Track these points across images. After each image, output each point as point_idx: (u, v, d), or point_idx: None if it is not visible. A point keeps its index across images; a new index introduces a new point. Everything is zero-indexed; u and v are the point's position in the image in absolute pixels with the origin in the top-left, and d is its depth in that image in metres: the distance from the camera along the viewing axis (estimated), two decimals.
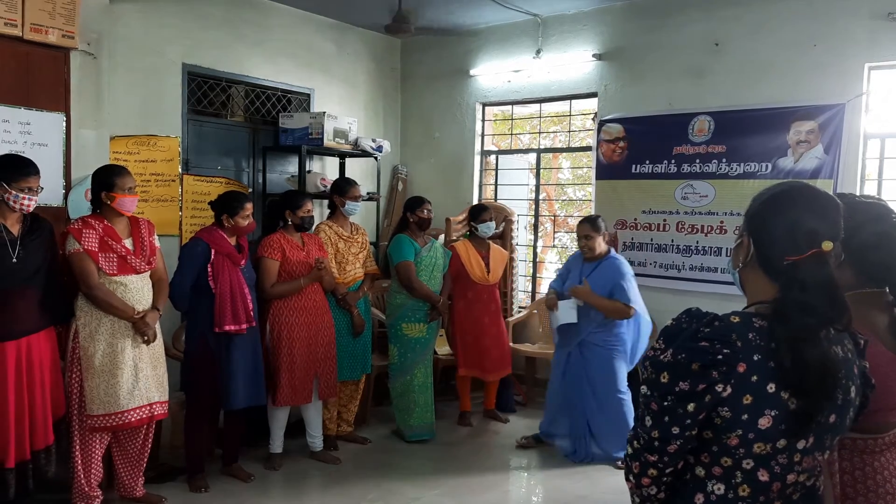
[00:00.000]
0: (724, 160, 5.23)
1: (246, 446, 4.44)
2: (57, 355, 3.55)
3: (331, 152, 6.01)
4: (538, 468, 4.66)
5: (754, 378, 1.32)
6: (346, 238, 4.76)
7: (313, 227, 4.64)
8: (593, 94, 5.98)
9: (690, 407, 1.33)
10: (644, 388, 1.41)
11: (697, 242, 5.37)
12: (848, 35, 4.78)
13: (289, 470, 4.42)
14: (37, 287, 3.41)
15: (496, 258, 5.28)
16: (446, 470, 4.50)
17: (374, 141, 6.07)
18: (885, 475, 1.76)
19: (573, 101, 6.30)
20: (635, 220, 5.69)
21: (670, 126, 5.47)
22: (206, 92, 5.54)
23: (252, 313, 4.05)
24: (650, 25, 5.61)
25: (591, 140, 6.11)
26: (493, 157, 6.85)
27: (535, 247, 6.66)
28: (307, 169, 5.80)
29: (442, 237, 5.94)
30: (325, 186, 5.59)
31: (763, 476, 1.37)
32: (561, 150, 7.12)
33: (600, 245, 4.60)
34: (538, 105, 6.56)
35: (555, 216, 8.59)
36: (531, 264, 6.65)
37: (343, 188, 4.82)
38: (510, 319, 6.01)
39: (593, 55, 5.87)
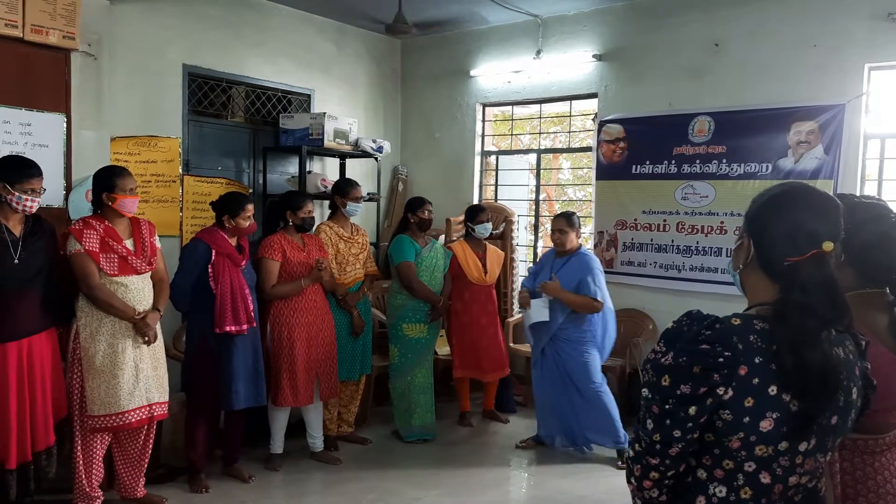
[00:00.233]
0: (724, 161, 5.24)
1: (246, 447, 4.44)
2: (58, 356, 3.56)
3: (331, 153, 6.01)
4: (538, 468, 4.66)
5: (756, 380, 1.32)
6: (346, 239, 4.76)
7: (314, 228, 4.64)
8: (593, 95, 5.98)
9: (692, 410, 1.33)
10: (645, 391, 1.40)
11: (697, 243, 5.38)
12: (848, 35, 4.78)
13: (289, 470, 4.42)
14: (38, 288, 3.41)
15: (493, 259, 5.29)
16: (447, 470, 4.50)
17: (374, 141, 6.07)
18: (885, 475, 1.77)
19: (573, 102, 6.30)
20: (635, 220, 5.69)
21: (670, 126, 5.47)
22: (206, 93, 5.55)
23: (253, 314, 4.05)
24: (650, 26, 5.61)
25: (591, 140, 6.11)
26: (493, 157, 6.85)
27: (535, 247, 6.66)
28: (307, 169, 5.80)
29: (442, 238, 5.94)
30: (326, 187, 5.59)
31: (765, 478, 1.37)
32: (561, 151, 7.13)
33: (572, 241, 4.67)
34: (538, 105, 6.56)
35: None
36: (531, 265, 6.64)
37: (344, 189, 4.82)
38: (510, 320, 6.01)
39: (593, 56, 5.87)
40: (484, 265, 5.20)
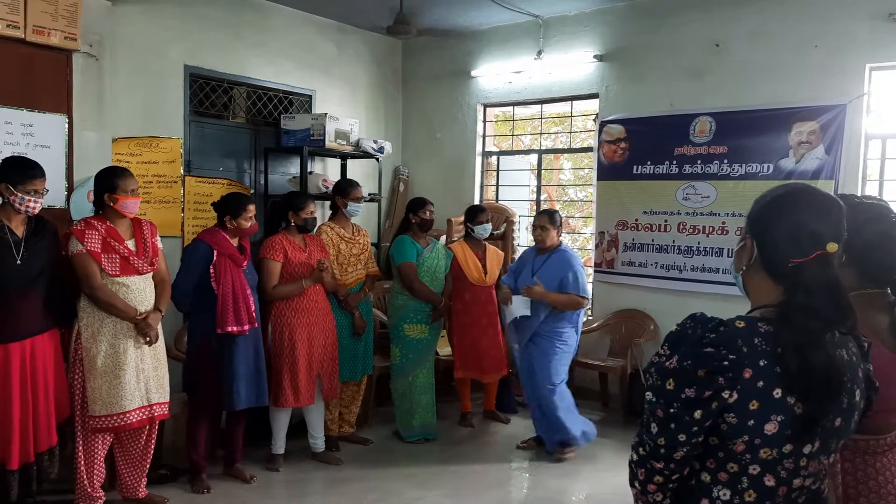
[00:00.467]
0: (725, 161, 5.24)
1: (248, 447, 4.44)
2: (61, 357, 3.56)
3: (332, 153, 6.02)
4: (539, 468, 4.66)
5: (760, 383, 1.32)
6: (347, 239, 4.77)
7: (315, 229, 4.64)
8: (594, 95, 5.99)
9: (697, 414, 1.33)
10: (649, 395, 1.40)
11: (699, 243, 5.38)
12: (849, 36, 4.78)
13: (290, 471, 4.43)
14: (41, 289, 3.41)
15: (492, 259, 5.29)
16: (448, 470, 4.50)
17: (375, 142, 6.08)
18: (887, 476, 1.77)
19: (574, 102, 6.31)
20: (636, 220, 5.69)
21: (671, 127, 5.47)
22: (207, 93, 5.55)
23: (254, 314, 4.05)
24: (651, 26, 5.61)
25: (592, 141, 6.11)
26: (494, 158, 6.86)
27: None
28: (309, 170, 5.80)
29: (443, 238, 5.95)
30: (327, 188, 5.60)
31: (769, 481, 1.37)
32: (562, 151, 7.13)
33: (553, 238, 4.68)
34: (539, 106, 6.56)
35: None
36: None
37: (345, 189, 4.83)
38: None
39: (594, 56, 5.87)
40: (484, 266, 5.20)
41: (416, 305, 4.89)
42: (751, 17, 5.15)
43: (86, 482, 3.62)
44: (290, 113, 6.00)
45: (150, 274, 3.72)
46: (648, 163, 5.60)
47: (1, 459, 3.33)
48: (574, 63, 5.99)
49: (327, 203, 5.53)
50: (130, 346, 3.59)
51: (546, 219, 4.70)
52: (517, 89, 6.40)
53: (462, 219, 6.05)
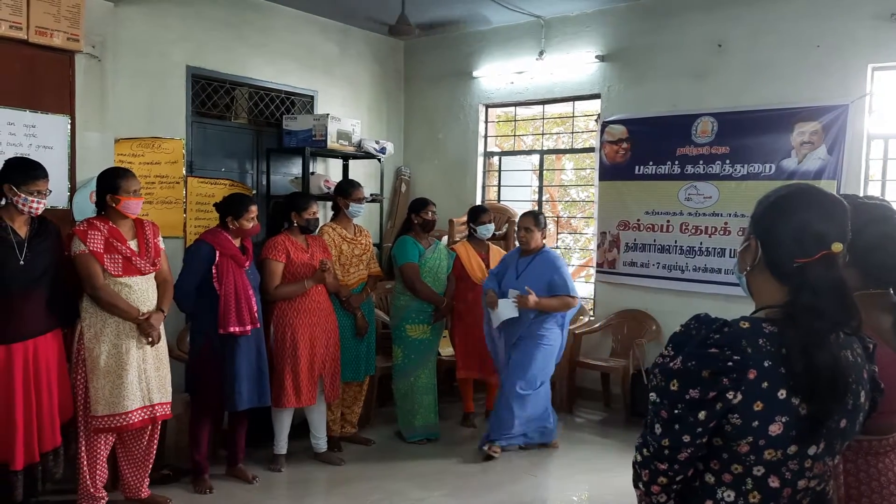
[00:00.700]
0: (727, 161, 5.24)
1: (250, 447, 4.44)
2: (64, 358, 3.57)
3: (334, 154, 6.02)
4: (542, 469, 4.66)
5: (765, 384, 1.31)
6: (349, 240, 4.77)
7: (317, 229, 4.64)
8: (596, 96, 5.99)
9: (701, 415, 1.32)
10: (653, 396, 1.39)
11: (701, 243, 5.38)
12: (851, 36, 4.78)
13: (293, 471, 4.43)
14: (44, 289, 3.42)
15: (496, 259, 5.27)
16: (450, 471, 4.50)
17: (377, 142, 6.08)
18: (889, 476, 1.77)
19: (576, 103, 6.31)
20: (638, 220, 5.69)
21: (673, 127, 5.47)
22: (210, 94, 5.56)
23: (256, 315, 4.06)
24: (653, 27, 5.61)
25: (594, 141, 6.11)
26: (496, 158, 6.86)
27: None
28: (310, 171, 5.81)
29: (445, 238, 5.95)
30: (329, 188, 5.60)
31: (774, 482, 1.36)
32: (564, 152, 7.13)
33: (537, 240, 4.68)
34: (541, 106, 6.56)
35: (558, 217, 8.58)
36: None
37: (347, 190, 4.83)
38: None
39: (596, 56, 5.87)
40: (487, 266, 5.20)
41: (417, 306, 4.89)
42: (752, 17, 5.15)
43: (88, 482, 3.63)
44: (292, 113, 6.01)
45: (153, 274, 3.73)
46: (650, 163, 5.60)
47: (5, 460, 3.33)
48: (576, 63, 5.99)
49: (329, 203, 5.54)
50: (133, 346, 3.59)
51: (531, 220, 4.69)
52: (519, 90, 6.41)
53: (464, 219, 6.05)
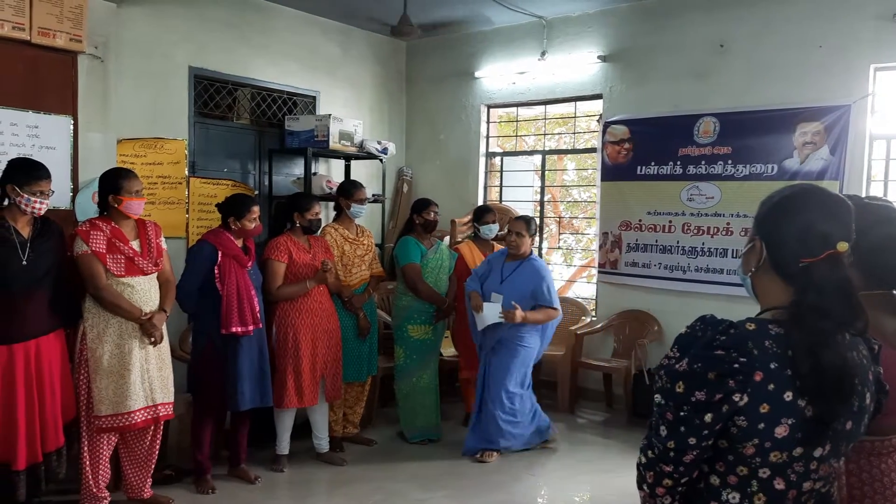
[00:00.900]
0: (729, 161, 5.23)
1: (252, 448, 4.45)
2: (67, 358, 3.57)
3: (336, 154, 6.03)
4: (543, 470, 4.66)
5: (771, 387, 1.31)
6: (351, 240, 4.77)
7: (319, 230, 4.65)
8: (598, 96, 5.99)
9: (707, 417, 1.32)
10: (658, 398, 1.38)
11: (703, 244, 5.37)
12: (853, 36, 4.78)
13: (295, 471, 4.43)
14: (46, 289, 3.43)
15: None
16: (451, 471, 4.50)
17: (379, 143, 6.09)
18: (892, 477, 1.76)
19: (578, 103, 6.31)
20: (640, 221, 5.69)
21: (675, 127, 5.47)
22: (212, 95, 5.57)
23: (259, 315, 4.06)
24: (655, 27, 5.61)
25: (595, 142, 6.11)
26: (497, 158, 6.86)
27: (540, 248, 6.66)
28: (312, 171, 5.81)
29: (447, 239, 5.95)
30: (331, 188, 5.60)
31: (779, 484, 1.36)
32: (566, 152, 7.14)
33: (526, 245, 4.64)
34: (543, 107, 6.56)
35: (560, 218, 8.60)
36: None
37: (349, 191, 4.83)
38: None
39: (598, 57, 5.87)
40: None
41: (419, 306, 4.89)
42: (755, 18, 5.15)
43: (91, 482, 3.63)
44: (295, 114, 6.01)
45: (155, 274, 3.73)
46: (652, 163, 5.60)
47: (7, 460, 3.33)
48: (578, 64, 5.99)
49: (331, 204, 5.54)
50: (135, 346, 3.59)
51: (523, 225, 4.64)
52: (521, 90, 6.41)
53: (465, 219, 6.06)
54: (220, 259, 3.98)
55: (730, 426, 1.34)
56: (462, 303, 5.18)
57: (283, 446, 4.47)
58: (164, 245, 3.82)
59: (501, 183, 6.81)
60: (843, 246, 1.35)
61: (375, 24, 6.36)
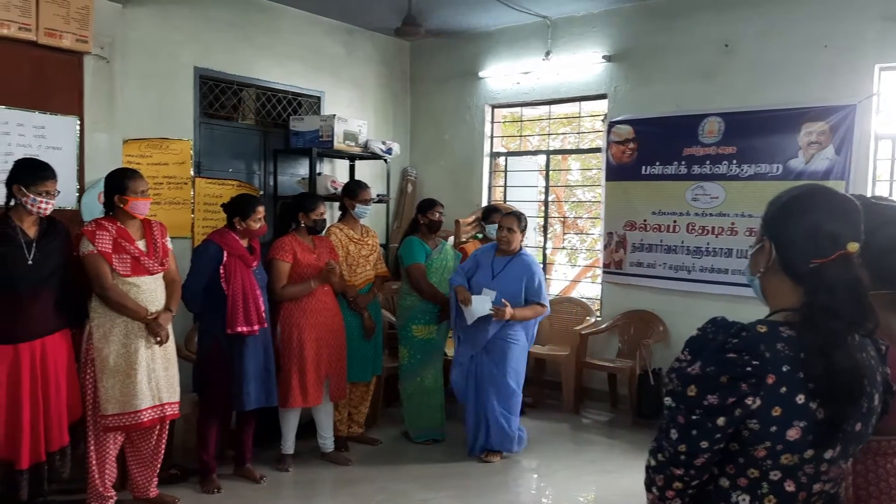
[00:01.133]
0: (734, 161, 5.23)
1: (257, 447, 4.46)
2: (73, 358, 3.58)
3: (341, 155, 6.03)
4: (548, 470, 4.66)
5: (783, 389, 1.30)
6: (356, 240, 4.78)
7: (324, 230, 4.65)
8: (603, 96, 5.98)
9: (720, 421, 1.31)
10: (669, 401, 1.38)
11: (708, 244, 5.37)
12: (858, 36, 4.77)
13: (300, 471, 4.44)
14: (52, 289, 3.44)
15: None
16: (456, 472, 4.50)
17: (383, 143, 6.09)
18: None
19: (583, 103, 6.31)
20: (645, 221, 5.68)
21: (680, 127, 5.46)
22: (217, 95, 5.58)
23: (264, 315, 4.07)
24: (660, 27, 5.61)
25: (600, 142, 6.11)
26: (502, 158, 6.86)
27: (544, 248, 6.66)
28: (317, 171, 5.82)
29: (451, 239, 5.95)
30: (336, 189, 5.61)
31: (790, 487, 1.35)
32: (570, 152, 7.13)
33: (518, 241, 4.63)
34: (547, 107, 6.56)
35: (564, 218, 8.59)
36: (540, 266, 6.64)
37: (354, 191, 4.84)
38: None
39: (603, 57, 5.87)
40: None
41: (424, 306, 4.89)
42: (760, 18, 5.14)
43: (98, 481, 3.65)
44: (299, 114, 6.02)
45: (161, 274, 3.75)
46: (657, 163, 5.60)
47: (11, 459, 3.35)
48: (582, 64, 5.99)
49: (336, 204, 5.55)
50: (141, 345, 3.61)
51: (514, 221, 4.62)
52: (525, 90, 6.41)
53: (470, 220, 6.07)
54: (225, 259, 3.99)
55: (741, 429, 1.33)
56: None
57: (289, 446, 4.48)
58: (169, 245, 3.83)
59: (506, 183, 6.81)
60: (853, 246, 1.35)
61: (380, 25, 6.37)
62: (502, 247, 4.63)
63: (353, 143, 5.81)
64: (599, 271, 6.16)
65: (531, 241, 6.60)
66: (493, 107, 6.71)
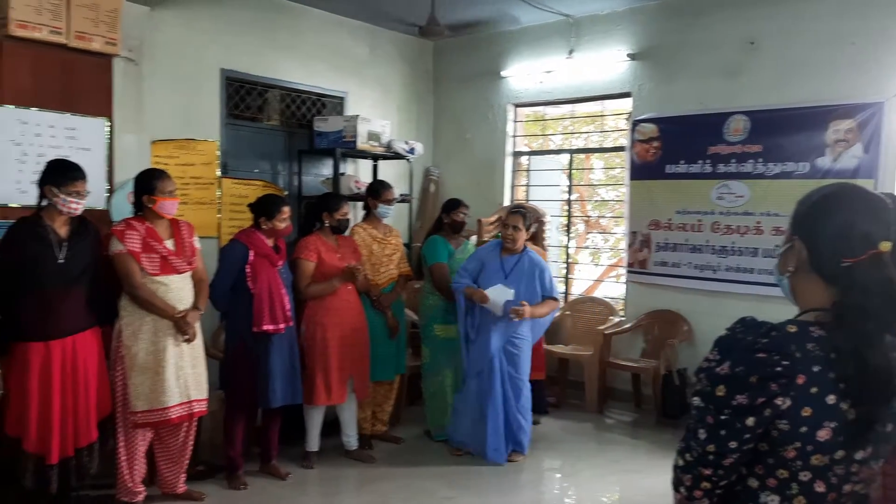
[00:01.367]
0: (760, 160, 5.18)
1: (283, 445, 4.50)
2: (103, 355, 3.64)
3: (364, 155, 6.06)
4: (572, 470, 4.66)
5: (814, 390, 1.29)
6: (379, 240, 4.81)
7: (348, 230, 4.69)
8: (627, 94, 5.95)
9: (750, 421, 1.30)
10: (697, 401, 1.37)
11: (733, 243, 5.32)
12: (885, 32, 4.70)
13: (324, 468, 4.48)
14: (82, 287, 3.50)
15: None
16: (478, 470, 4.51)
17: (406, 143, 6.11)
18: None
19: (606, 102, 6.28)
20: (669, 220, 5.65)
21: (705, 126, 5.42)
22: (242, 96, 5.64)
23: (289, 313, 4.11)
24: (684, 24, 5.57)
25: (624, 140, 6.08)
26: (524, 158, 6.85)
27: (567, 248, 6.64)
28: (341, 171, 5.86)
29: (474, 238, 5.95)
30: (359, 189, 5.65)
31: (819, 487, 1.34)
32: (594, 151, 7.10)
33: (522, 239, 4.60)
34: (570, 105, 6.54)
35: (587, 217, 8.56)
36: (564, 266, 6.64)
37: (377, 191, 4.87)
38: None
39: (627, 55, 5.84)
40: None
41: (446, 306, 4.90)
42: (785, 15, 5.09)
43: (127, 477, 3.71)
44: (323, 115, 6.07)
45: (189, 273, 3.80)
46: (682, 162, 5.56)
47: (41, 454, 3.41)
48: (606, 62, 5.96)
49: (359, 203, 5.58)
50: (170, 343, 3.66)
51: (520, 219, 4.58)
52: (548, 89, 6.39)
53: (492, 219, 6.07)
54: (251, 258, 4.04)
55: (771, 429, 1.32)
56: None
57: (313, 443, 4.52)
58: (197, 244, 3.88)
59: (528, 182, 6.80)
60: (885, 245, 1.33)
61: (402, 25, 6.39)
62: (507, 245, 4.61)
63: (376, 143, 5.84)
64: (623, 271, 6.13)
65: (554, 240, 6.59)
66: (516, 106, 6.70)
